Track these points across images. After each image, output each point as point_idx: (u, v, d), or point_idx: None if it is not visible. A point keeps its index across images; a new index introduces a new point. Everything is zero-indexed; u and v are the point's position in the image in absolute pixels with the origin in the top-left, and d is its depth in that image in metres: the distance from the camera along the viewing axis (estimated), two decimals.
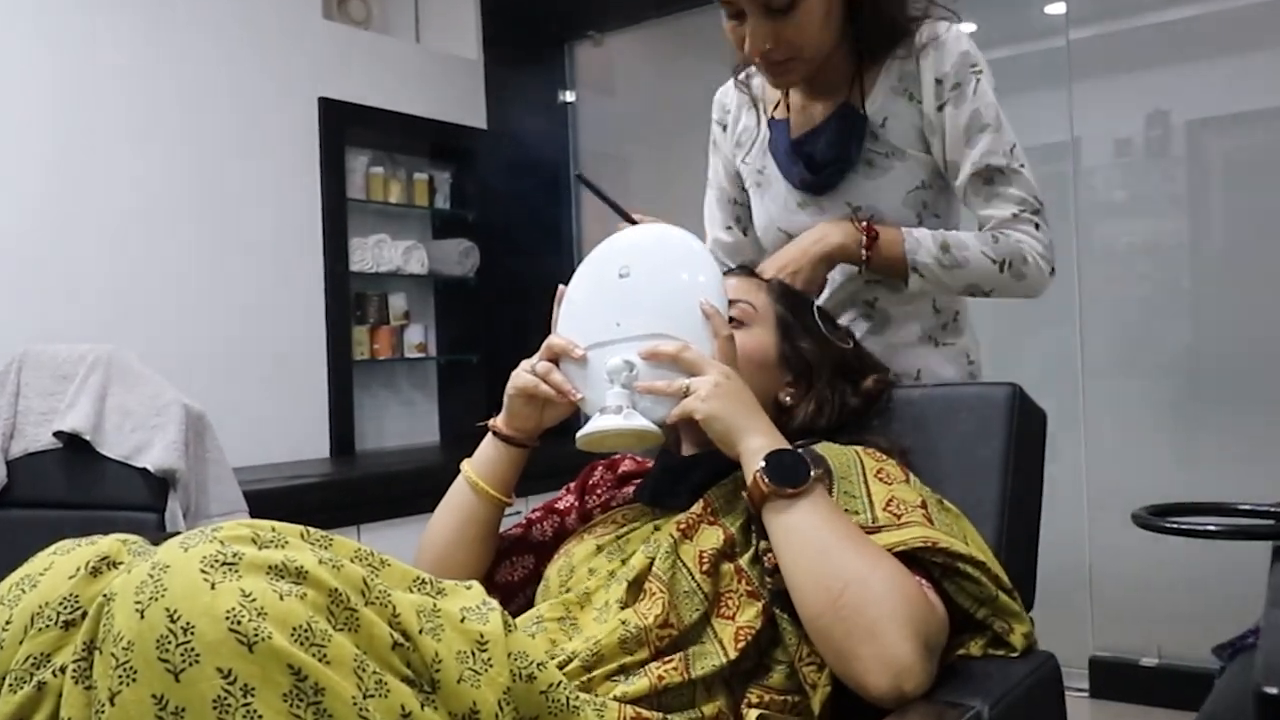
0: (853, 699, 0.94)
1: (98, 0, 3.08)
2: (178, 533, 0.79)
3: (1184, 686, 2.75)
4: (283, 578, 0.73)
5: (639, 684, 0.94)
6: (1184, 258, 3.06)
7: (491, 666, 0.81)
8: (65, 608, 0.79)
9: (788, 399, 1.20)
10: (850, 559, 0.95)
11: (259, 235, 3.44)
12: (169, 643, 0.68)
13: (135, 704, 0.68)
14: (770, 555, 1.00)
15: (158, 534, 1.77)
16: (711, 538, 1.04)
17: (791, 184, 1.51)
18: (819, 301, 1.40)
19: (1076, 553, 3.06)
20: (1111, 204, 3.16)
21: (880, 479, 1.07)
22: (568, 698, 0.85)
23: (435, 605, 0.82)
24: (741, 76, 1.60)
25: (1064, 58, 3.09)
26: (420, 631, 0.79)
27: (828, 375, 1.21)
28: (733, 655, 0.97)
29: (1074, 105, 3.08)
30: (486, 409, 1.39)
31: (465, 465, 1.25)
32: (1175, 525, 1.72)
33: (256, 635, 0.69)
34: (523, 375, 1.19)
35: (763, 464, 1.01)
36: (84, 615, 0.77)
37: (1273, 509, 1.72)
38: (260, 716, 0.68)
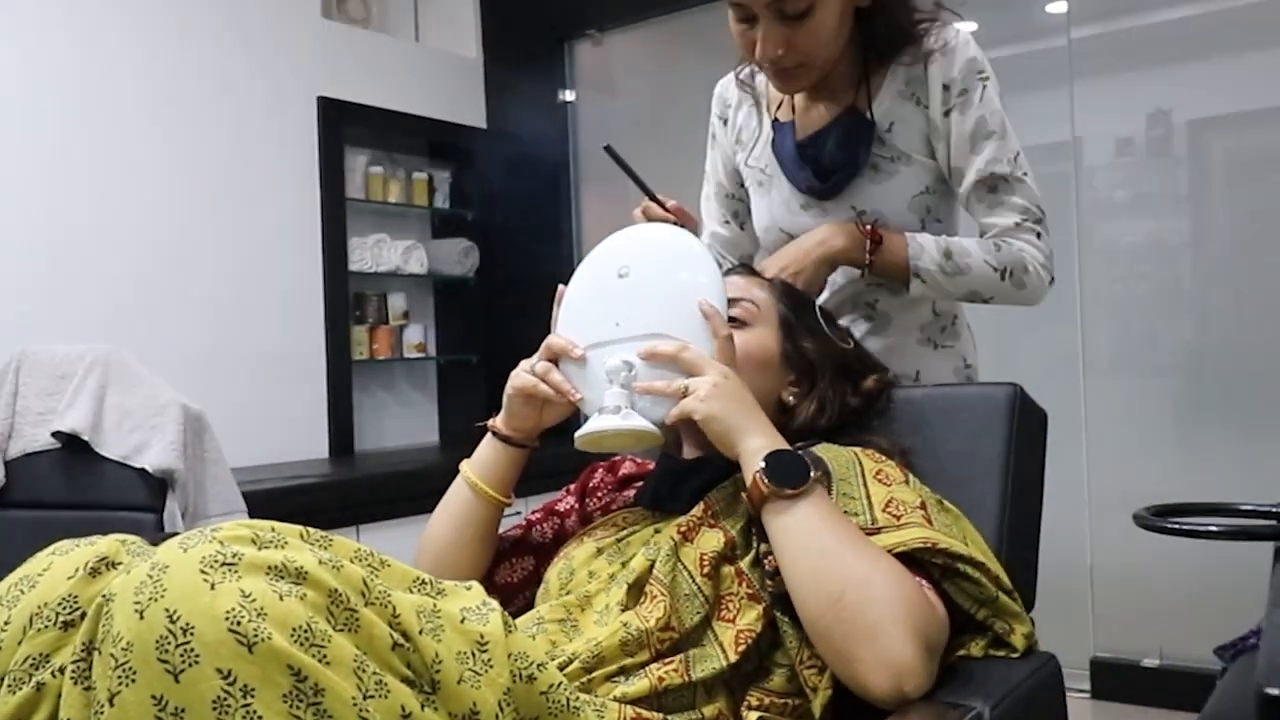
0: (853, 702, 0.94)
1: (93, 2, 3.08)
2: (176, 533, 0.79)
3: (1186, 687, 2.75)
4: (282, 578, 0.73)
5: (639, 685, 0.94)
6: (1186, 257, 3.06)
7: (492, 667, 0.81)
8: (64, 608, 0.79)
9: (790, 398, 1.20)
10: (850, 560, 0.95)
11: (257, 235, 3.44)
12: (168, 643, 0.68)
13: (134, 705, 0.68)
14: (771, 558, 1.00)
15: (156, 534, 1.77)
16: (712, 540, 1.04)
17: (797, 188, 1.51)
18: (819, 302, 1.40)
19: (1078, 553, 3.06)
20: (1113, 204, 3.16)
21: (879, 480, 1.06)
22: (568, 698, 0.85)
23: (435, 606, 0.82)
24: (744, 75, 1.60)
25: (1065, 57, 3.09)
26: (420, 632, 0.79)
27: (830, 375, 1.21)
28: (733, 658, 0.97)
29: (1075, 104, 3.07)
30: (486, 409, 1.39)
31: (464, 466, 1.25)
32: (1177, 526, 1.72)
33: (256, 636, 0.69)
34: (522, 375, 1.19)
35: (762, 464, 1.01)
36: (83, 616, 0.77)
37: (1275, 509, 1.72)
38: (260, 717, 0.68)
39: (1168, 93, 2.99)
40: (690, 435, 1.17)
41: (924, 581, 0.99)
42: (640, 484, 1.28)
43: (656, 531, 1.11)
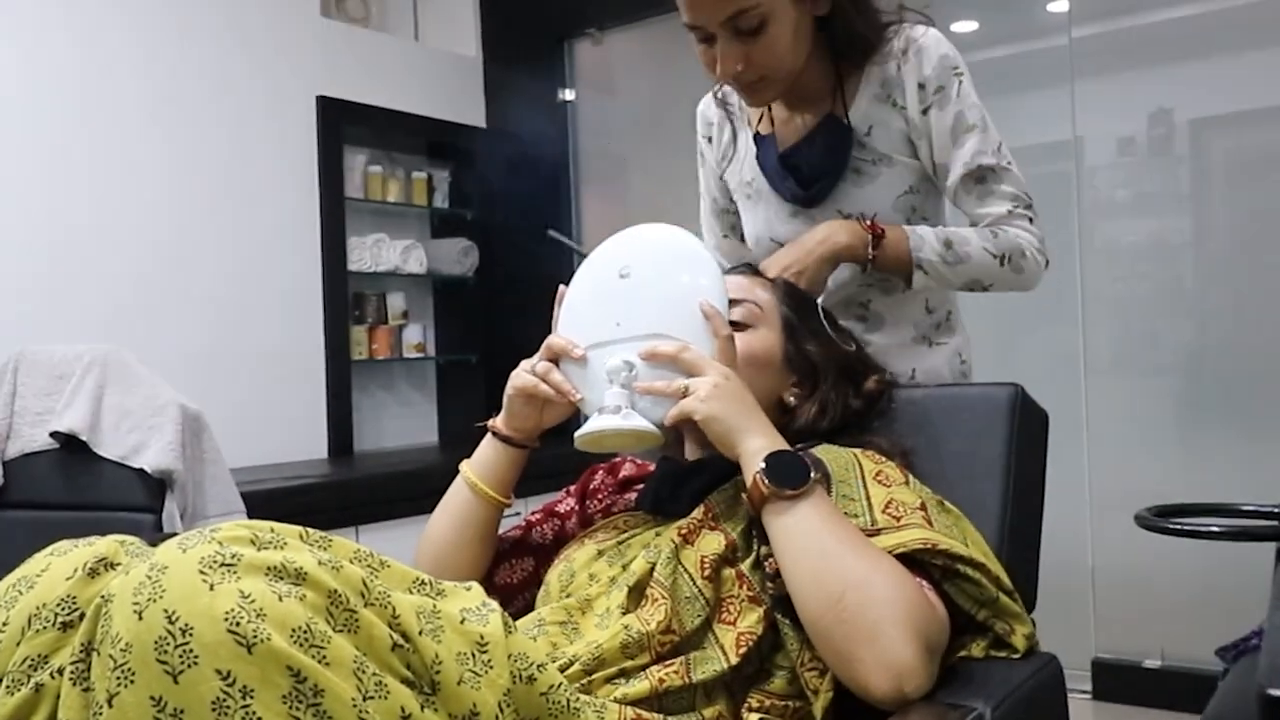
0: (854, 705, 0.94)
1: (93, 2, 3.09)
2: (175, 534, 0.79)
3: (1187, 688, 2.75)
4: (282, 579, 0.73)
5: (639, 686, 0.94)
6: (1187, 256, 3.06)
7: (492, 668, 0.81)
8: (63, 609, 0.79)
9: (791, 400, 1.20)
10: (851, 561, 0.94)
11: (256, 234, 3.44)
12: (167, 644, 0.68)
13: (133, 706, 0.68)
14: (771, 560, 1.00)
15: (155, 535, 1.77)
16: (713, 543, 1.03)
17: (783, 198, 1.53)
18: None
19: (1079, 554, 3.06)
20: (1114, 203, 3.15)
21: (879, 481, 1.06)
22: (568, 699, 0.85)
23: (435, 606, 0.82)
24: (720, 94, 1.62)
25: (1066, 56, 3.08)
26: (420, 633, 0.79)
27: (832, 378, 1.21)
28: (734, 661, 0.97)
29: (1076, 104, 3.07)
30: (486, 409, 1.38)
31: (464, 466, 1.25)
32: (1178, 526, 1.72)
33: (255, 637, 0.68)
34: (522, 375, 1.19)
35: (762, 465, 1.01)
36: (82, 617, 0.77)
37: (1276, 509, 1.71)
38: (259, 718, 0.68)
39: (1169, 92, 2.99)
40: (690, 435, 1.17)
41: (924, 582, 0.99)
42: (640, 486, 1.28)
43: (657, 534, 1.11)
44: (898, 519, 1.02)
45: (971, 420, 1.24)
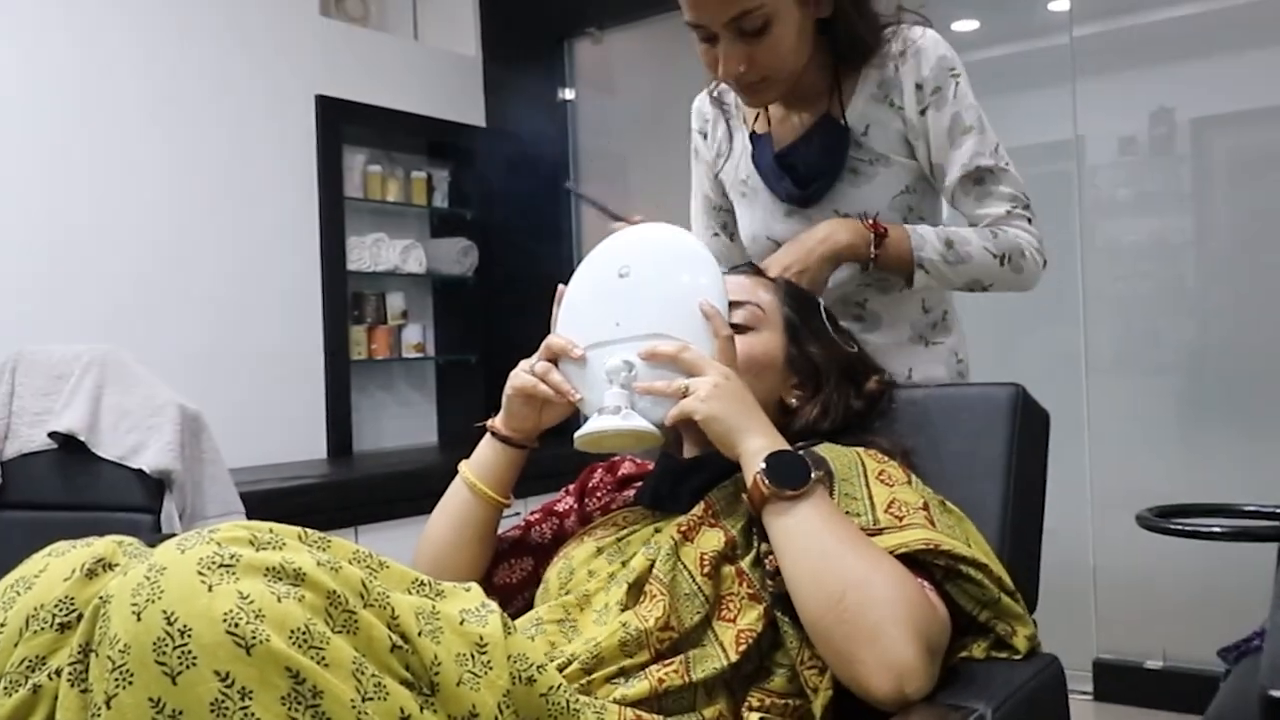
0: (854, 703, 0.94)
1: (93, 2, 3.08)
2: (174, 534, 0.78)
3: (1189, 689, 2.75)
4: (280, 580, 0.73)
5: (639, 686, 0.93)
6: (1189, 256, 3.06)
7: (491, 669, 0.81)
8: (61, 610, 0.78)
9: (793, 401, 1.20)
10: (851, 561, 0.94)
11: (255, 234, 3.44)
12: (166, 645, 0.67)
13: (132, 707, 0.67)
14: (771, 558, 1.00)
15: (154, 535, 1.77)
16: (712, 540, 1.03)
17: (779, 198, 1.53)
18: None
19: (1080, 554, 3.05)
20: (1116, 202, 3.15)
21: (882, 481, 1.06)
22: (568, 700, 0.85)
23: (434, 607, 0.82)
24: (716, 92, 1.62)
25: (1068, 55, 3.08)
26: (419, 634, 0.78)
27: (834, 379, 1.21)
28: (734, 658, 0.97)
29: (1078, 103, 3.07)
30: (485, 409, 1.38)
31: (463, 466, 1.25)
32: (1180, 526, 1.72)
33: (254, 638, 0.68)
34: (521, 375, 1.19)
35: (763, 465, 1.00)
36: (80, 618, 0.77)
37: (1278, 510, 1.71)
38: (258, 719, 0.67)
39: (1170, 91, 2.99)
40: (690, 435, 1.16)
41: (926, 583, 0.99)
42: (640, 484, 1.28)
43: (657, 531, 1.10)
44: (900, 519, 1.01)
45: (972, 420, 1.23)
